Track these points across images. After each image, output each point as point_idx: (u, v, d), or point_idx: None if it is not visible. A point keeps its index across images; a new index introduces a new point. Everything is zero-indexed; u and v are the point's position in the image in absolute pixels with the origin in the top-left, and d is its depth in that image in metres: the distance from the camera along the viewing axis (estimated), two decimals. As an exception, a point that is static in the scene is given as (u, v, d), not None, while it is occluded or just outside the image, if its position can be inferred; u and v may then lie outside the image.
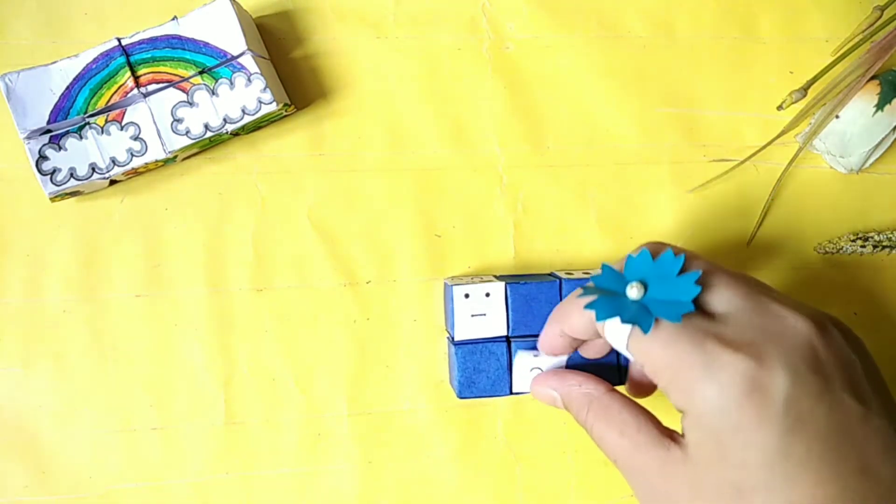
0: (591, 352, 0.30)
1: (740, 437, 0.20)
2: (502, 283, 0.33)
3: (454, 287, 0.33)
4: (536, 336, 0.33)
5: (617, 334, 0.25)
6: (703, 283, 0.24)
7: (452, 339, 0.34)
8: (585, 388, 0.27)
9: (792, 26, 0.40)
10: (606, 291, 0.25)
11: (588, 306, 0.24)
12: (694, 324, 0.22)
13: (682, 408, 0.22)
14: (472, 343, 0.33)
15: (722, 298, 0.23)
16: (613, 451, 0.25)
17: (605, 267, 0.25)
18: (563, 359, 0.32)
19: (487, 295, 0.33)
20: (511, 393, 0.33)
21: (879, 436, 0.21)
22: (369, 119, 0.38)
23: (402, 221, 0.37)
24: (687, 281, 0.23)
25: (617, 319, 0.24)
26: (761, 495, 0.20)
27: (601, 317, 0.24)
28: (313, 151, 0.37)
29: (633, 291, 0.24)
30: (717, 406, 0.21)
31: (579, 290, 0.26)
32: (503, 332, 0.33)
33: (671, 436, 0.24)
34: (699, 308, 0.24)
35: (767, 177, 0.39)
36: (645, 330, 0.23)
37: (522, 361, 0.32)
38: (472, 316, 0.33)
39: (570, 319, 0.27)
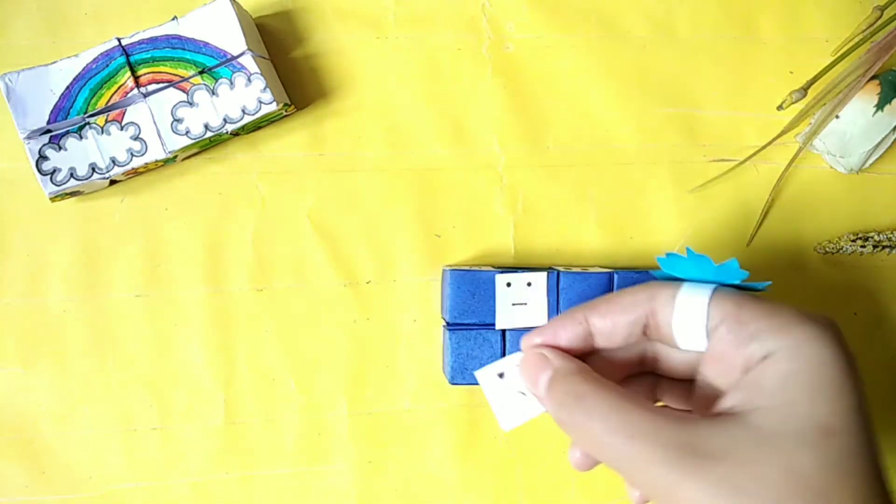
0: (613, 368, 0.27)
1: (835, 384, 0.21)
2: (544, 273, 0.33)
3: (496, 275, 0.33)
4: None
5: (691, 309, 0.24)
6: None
7: (447, 324, 0.34)
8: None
9: (792, 26, 0.40)
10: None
11: (664, 263, 0.26)
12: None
13: (766, 353, 0.22)
14: (466, 329, 0.33)
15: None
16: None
17: (688, 250, 0.26)
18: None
19: (529, 284, 0.33)
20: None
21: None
22: (369, 119, 0.38)
23: (402, 221, 0.37)
24: (731, 267, 0.24)
25: (693, 290, 0.24)
26: (847, 436, 0.21)
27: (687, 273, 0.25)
28: (313, 151, 0.37)
29: None
30: (821, 355, 0.22)
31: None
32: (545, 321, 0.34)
33: (705, 411, 0.23)
34: None
35: (767, 177, 0.39)
36: (760, 287, 0.25)
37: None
38: (514, 305, 0.33)
39: (613, 314, 0.25)
